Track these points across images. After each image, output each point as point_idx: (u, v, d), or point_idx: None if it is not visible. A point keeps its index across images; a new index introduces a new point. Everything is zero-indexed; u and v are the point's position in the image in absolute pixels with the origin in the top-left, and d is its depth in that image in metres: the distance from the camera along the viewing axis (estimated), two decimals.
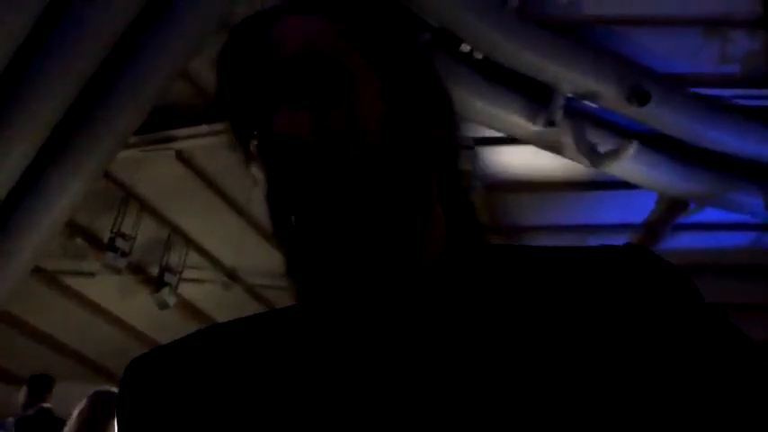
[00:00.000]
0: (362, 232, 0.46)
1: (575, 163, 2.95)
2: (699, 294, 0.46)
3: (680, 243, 3.64)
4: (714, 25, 2.68)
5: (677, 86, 2.79)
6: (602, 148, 2.81)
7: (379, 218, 0.46)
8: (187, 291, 3.94)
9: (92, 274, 3.61)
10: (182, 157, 3.23)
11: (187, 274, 3.81)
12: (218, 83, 0.51)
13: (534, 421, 0.40)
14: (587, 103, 2.78)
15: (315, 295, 0.48)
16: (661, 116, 2.71)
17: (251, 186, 0.52)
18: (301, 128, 0.46)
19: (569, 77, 2.61)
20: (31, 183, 2.51)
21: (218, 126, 2.93)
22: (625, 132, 2.87)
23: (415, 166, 0.49)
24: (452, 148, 0.53)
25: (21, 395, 3.05)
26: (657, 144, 2.91)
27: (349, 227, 0.45)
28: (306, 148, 0.46)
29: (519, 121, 2.75)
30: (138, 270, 3.81)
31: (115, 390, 1.21)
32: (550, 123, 2.69)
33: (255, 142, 0.49)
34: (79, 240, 3.51)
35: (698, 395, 0.41)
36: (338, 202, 0.46)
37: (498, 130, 2.83)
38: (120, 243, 3.38)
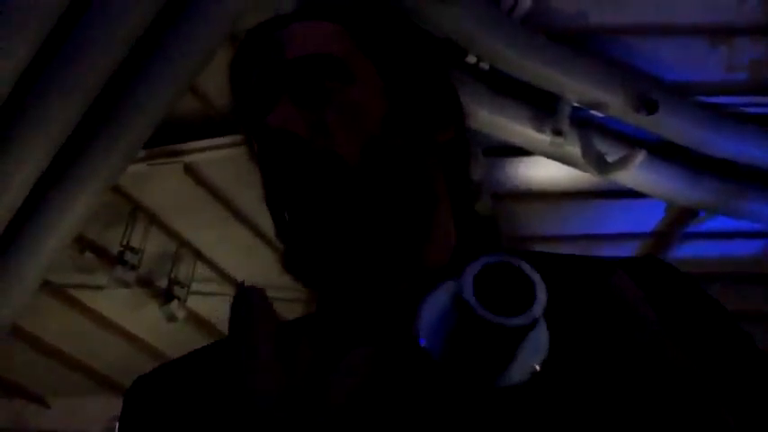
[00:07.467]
0: (357, 233, 0.45)
1: (582, 172, 2.94)
2: (718, 304, 0.45)
3: (690, 252, 3.61)
4: (720, 33, 2.67)
5: (684, 95, 2.78)
6: (609, 157, 2.80)
7: (375, 218, 0.45)
8: (196, 304, 3.94)
9: (101, 288, 3.61)
10: (190, 171, 3.24)
11: (196, 287, 3.81)
12: (231, 82, 0.52)
13: None
14: (594, 112, 2.78)
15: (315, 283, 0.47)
16: (669, 124, 2.70)
17: (259, 199, 0.52)
18: (296, 123, 0.46)
19: (576, 87, 2.61)
20: (42, 196, 2.52)
21: (226, 139, 2.94)
22: (633, 141, 2.86)
23: (417, 167, 0.48)
24: (460, 152, 0.53)
25: None
26: (666, 153, 2.90)
27: (343, 227, 0.45)
28: (299, 144, 0.46)
29: (526, 131, 2.75)
30: (147, 283, 3.82)
31: None
32: (557, 133, 2.69)
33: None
34: (88, 254, 3.52)
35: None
36: (331, 202, 0.45)
37: (505, 140, 2.83)
38: (128, 257, 3.39)
